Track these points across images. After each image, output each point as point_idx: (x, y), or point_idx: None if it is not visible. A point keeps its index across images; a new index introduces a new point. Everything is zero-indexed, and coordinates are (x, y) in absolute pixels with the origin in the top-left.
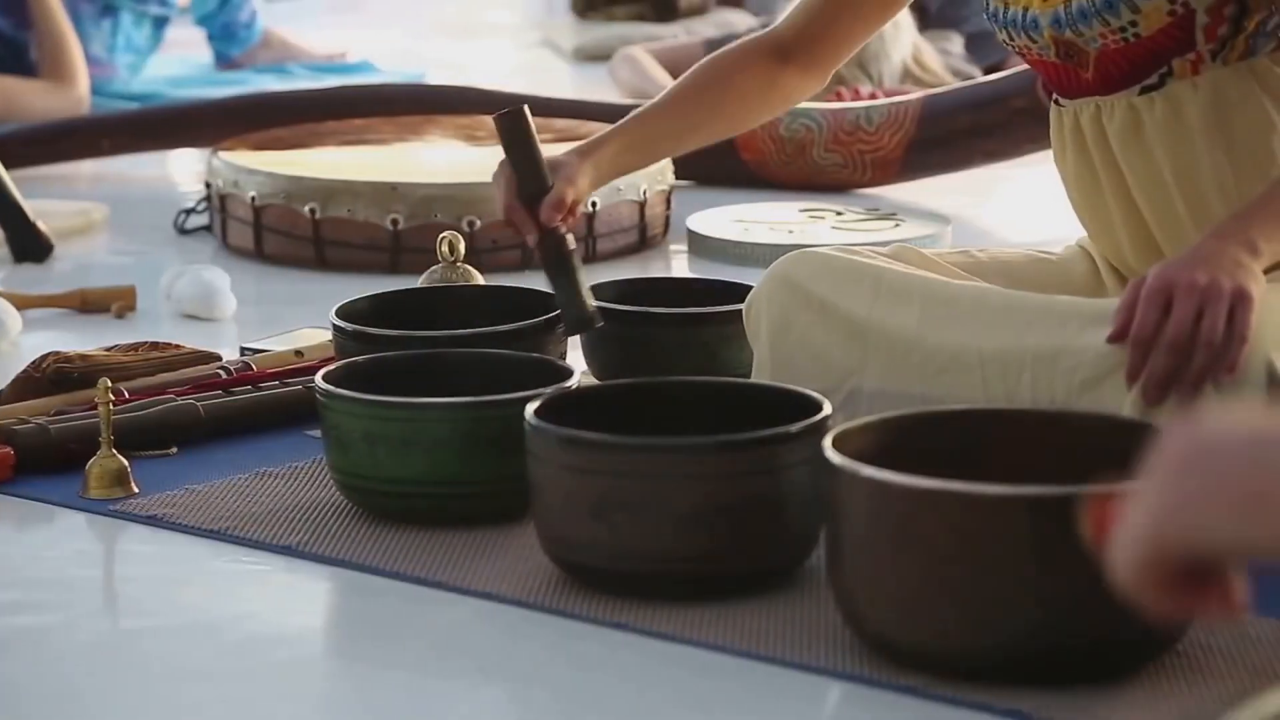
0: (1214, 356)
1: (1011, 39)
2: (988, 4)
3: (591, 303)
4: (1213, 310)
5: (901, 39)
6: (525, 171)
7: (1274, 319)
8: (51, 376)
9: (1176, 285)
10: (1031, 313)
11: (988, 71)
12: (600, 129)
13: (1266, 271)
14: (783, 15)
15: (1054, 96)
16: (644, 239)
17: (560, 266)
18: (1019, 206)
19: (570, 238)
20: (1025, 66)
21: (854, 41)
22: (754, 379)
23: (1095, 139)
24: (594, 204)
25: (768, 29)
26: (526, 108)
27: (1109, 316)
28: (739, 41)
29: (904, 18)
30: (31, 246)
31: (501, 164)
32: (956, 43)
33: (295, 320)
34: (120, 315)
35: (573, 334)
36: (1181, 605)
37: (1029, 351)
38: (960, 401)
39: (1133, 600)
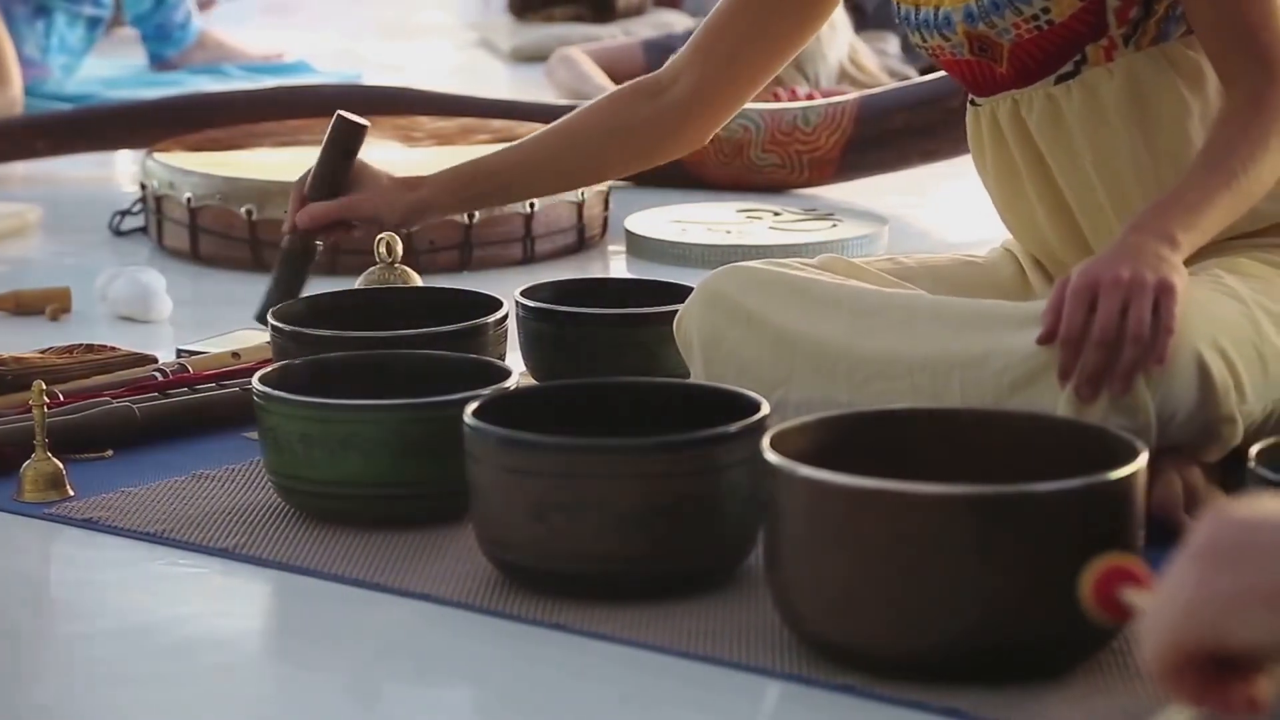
0: (1143, 349)
1: (924, 40)
2: (898, 8)
3: (297, 296)
4: (1138, 303)
5: (838, 40)
6: (325, 173)
7: (1199, 311)
8: None
9: (1100, 282)
10: (959, 318)
11: (924, 72)
12: (536, 129)
13: (1187, 262)
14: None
15: (969, 98)
16: (582, 240)
17: (290, 265)
18: (957, 206)
19: (318, 250)
20: None
21: (736, 98)
22: None
23: (1015, 134)
24: (532, 204)
25: (654, 73)
26: (367, 128)
27: (1036, 318)
28: (622, 85)
29: (840, 18)
30: None
31: (320, 155)
32: (893, 43)
33: (232, 322)
34: (55, 317)
35: (259, 318)
36: (1205, 698)
37: (957, 356)
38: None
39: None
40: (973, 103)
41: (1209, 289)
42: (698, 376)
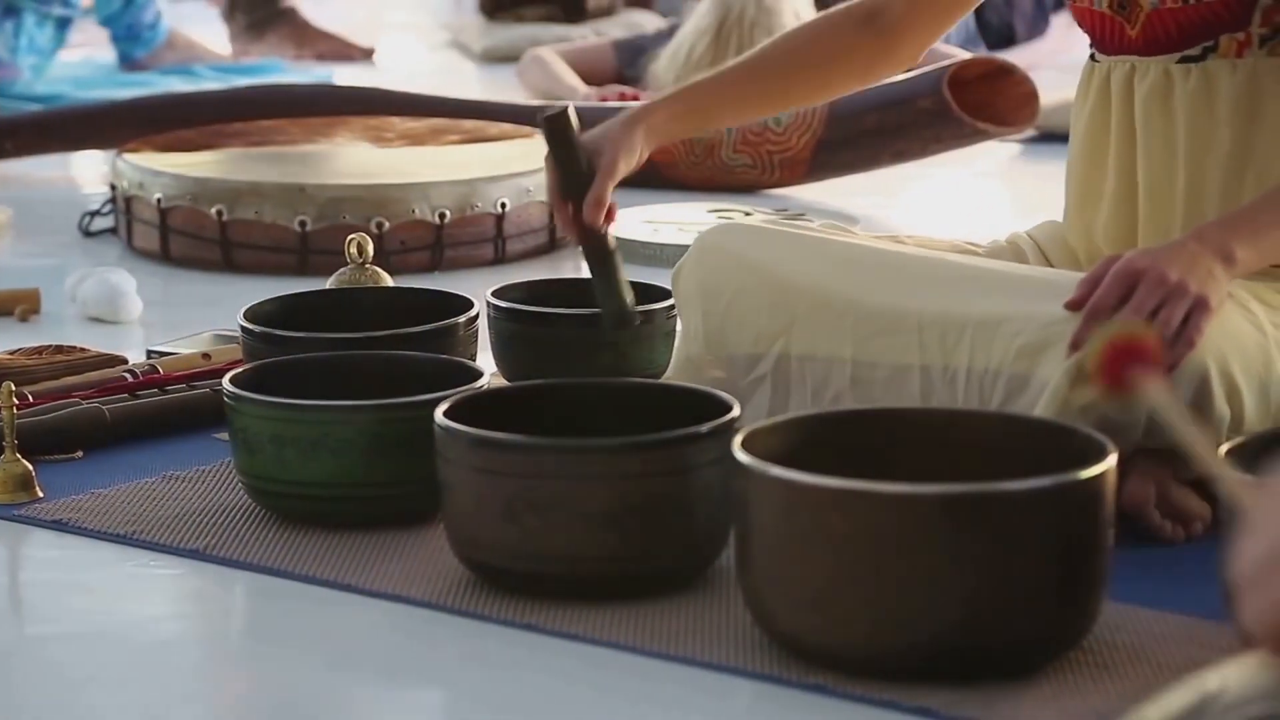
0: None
1: None
2: None
3: (630, 301)
4: (1172, 307)
5: None
6: (565, 171)
7: (1219, 331)
8: None
9: (1146, 274)
10: (982, 279)
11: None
12: (509, 131)
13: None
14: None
15: (1090, 52)
16: (554, 240)
17: (602, 265)
18: (927, 206)
19: (612, 236)
20: (933, 67)
21: (944, 20)
22: (683, 348)
23: (1121, 98)
24: (503, 205)
25: None
26: (572, 109)
27: (1061, 289)
28: (828, 11)
29: (806, 14)
30: None
31: (546, 160)
32: None
33: (202, 323)
34: (24, 318)
35: (612, 329)
36: None
37: (972, 316)
38: (891, 366)
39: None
40: (1093, 57)
41: (1237, 314)
42: (692, 331)
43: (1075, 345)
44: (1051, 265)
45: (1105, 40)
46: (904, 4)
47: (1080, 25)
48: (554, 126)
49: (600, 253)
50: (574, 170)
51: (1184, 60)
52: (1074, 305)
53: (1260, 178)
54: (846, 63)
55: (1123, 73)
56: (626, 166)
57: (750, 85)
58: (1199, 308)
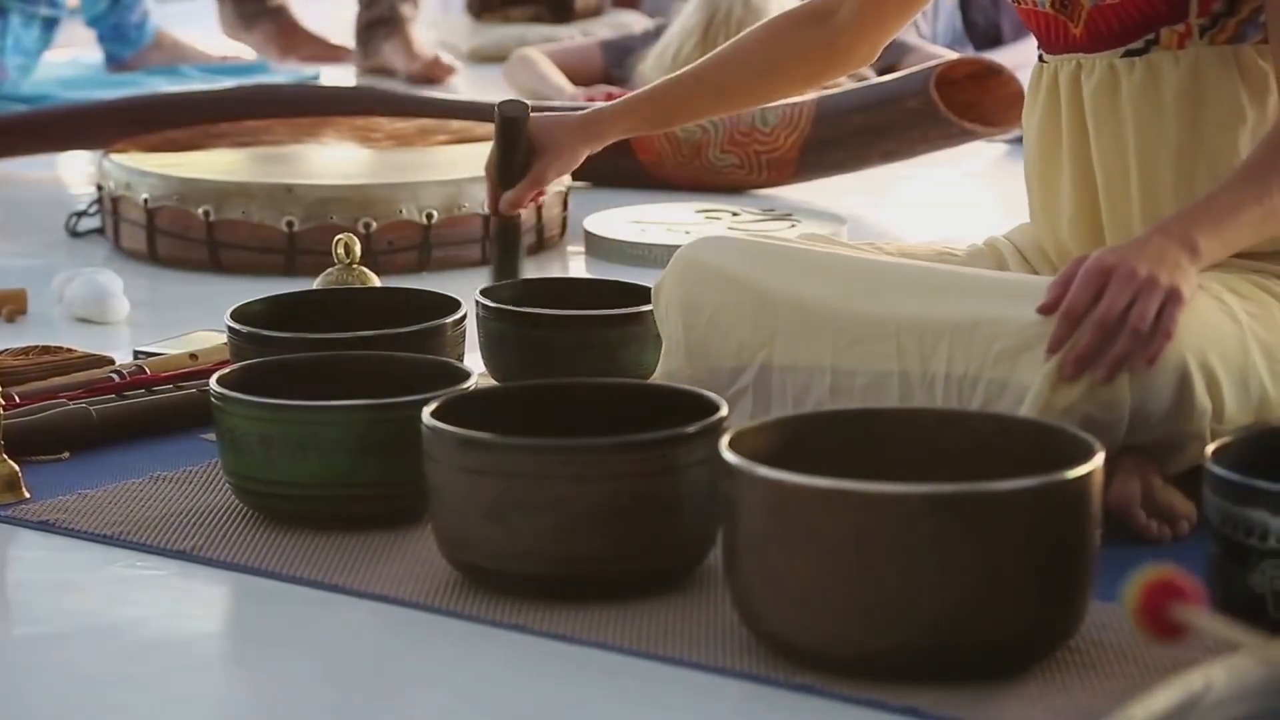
0: (1137, 344)
1: None
2: None
3: (518, 274)
4: (1144, 301)
5: None
6: (504, 162)
7: (1197, 324)
8: None
9: (1115, 271)
10: (957, 284)
11: (882, 72)
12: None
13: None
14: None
15: (1039, 53)
16: (541, 240)
17: (504, 240)
18: (915, 206)
19: (521, 221)
20: (920, 67)
21: (897, 18)
22: (665, 364)
23: (1069, 97)
24: None
25: None
26: (529, 109)
27: (1035, 292)
28: (782, 12)
29: None
30: None
31: (491, 149)
32: None
33: (189, 323)
34: (11, 319)
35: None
36: None
37: (949, 321)
38: (870, 374)
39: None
40: (1041, 58)
41: (1211, 306)
42: (674, 346)
43: (1053, 348)
44: (1031, 267)
45: (1051, 40)
46: (855, 3)
47: (1026, 26)
48: (507, 124)
49: (507, 232)
50: (511, 163)
51: (1128, 55)
52: (1047, 309)
53: (1211, 167)
54: (801, 63)
55: (1069, 71)
56: (557, 174)
57: (703, 89)
58: (1171, 299)
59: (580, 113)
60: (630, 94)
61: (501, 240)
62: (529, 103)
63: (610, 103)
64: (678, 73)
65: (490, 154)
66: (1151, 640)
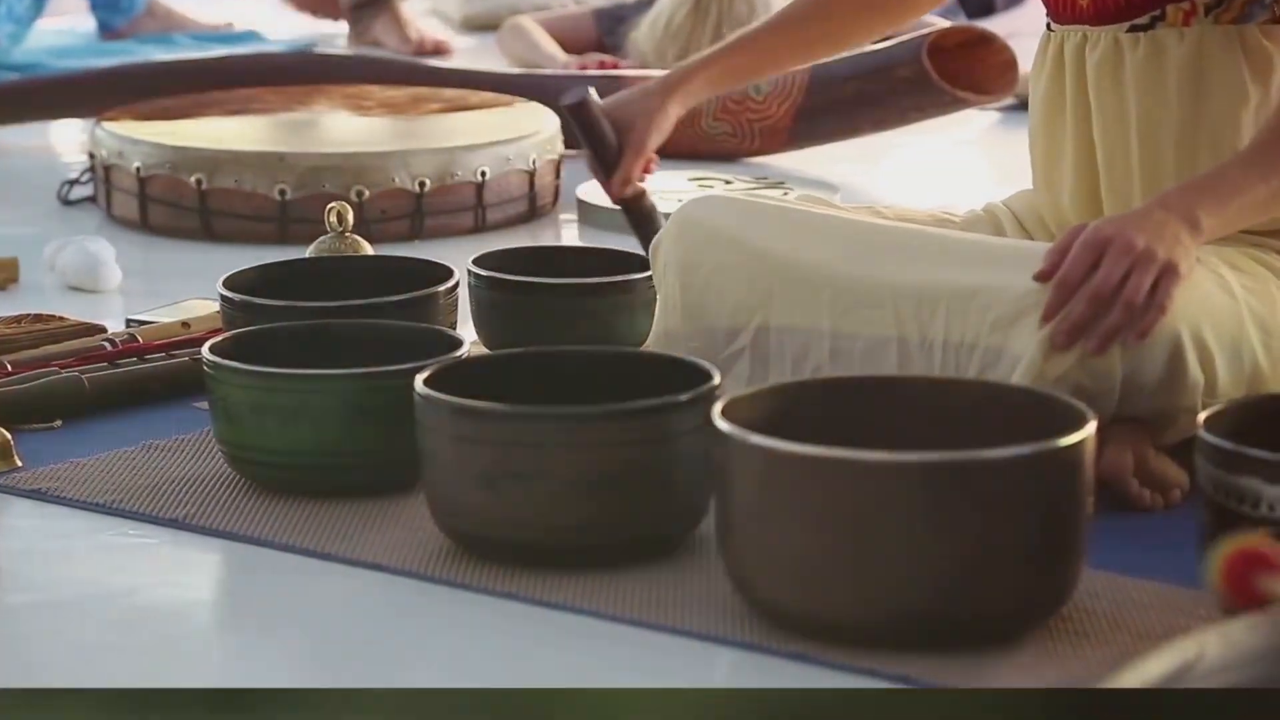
0: (1130, 317)
1: None
2: None
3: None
4: (1140, 274)
5: (774, 7)
6: (595, 151)
7: (1193, 297)
8: None
9: (1113, 242)
10: (956, 251)
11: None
12: (490, 99)
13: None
14: None
15: (1046, 21)
16: (534, 208)
17: (640, 223)
18: (907, 174)
19: (647, 192)
20: (912, 35)
21: None
22: (662, 322)
23: (1074, 69)
24: (483, 173)
25: None
26: (592, 92)
27: (1033, 259)
28: None
29: None
30: None
31: (583, 144)
32: None
33: (182, 291)
34: (2, 287)
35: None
36: None
37: (946, 287)
38: (869, 338)
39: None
40: (1049, 27)
41: (1208, 279)
42: (670, 304)
43: (1047, 316)
44: (1028, 234)
45: (1058, 10)
46: None
47: None
48: (577, 114)
49: (637, 214)
50: (603, 149)
51: (1133, 29)
52: (1043, 276)
53: (1213, 146)
54: (879, 6)
55: (1075, 42)
56: (658, 139)
57: (784, 38)
58: (1168, 273)
59: (657, 77)
60: (706, 53)
61: (635, 220)
62: (588, 87)
63: (688, 60)
64: (760, 23)
65: (585, 148)
66: (1232, 609)
